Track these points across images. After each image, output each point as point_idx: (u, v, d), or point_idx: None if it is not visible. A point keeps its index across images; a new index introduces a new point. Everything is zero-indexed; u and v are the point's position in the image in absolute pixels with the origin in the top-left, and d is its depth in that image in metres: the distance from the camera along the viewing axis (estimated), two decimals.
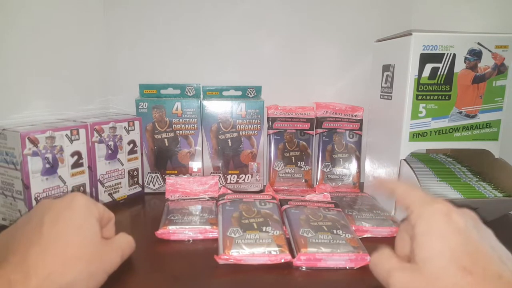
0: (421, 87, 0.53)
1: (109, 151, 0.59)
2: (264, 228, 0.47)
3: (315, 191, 0.67)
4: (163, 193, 0.64)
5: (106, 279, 0.36)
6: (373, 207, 0.57)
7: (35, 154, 0.48)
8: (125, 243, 0.40)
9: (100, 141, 0.57)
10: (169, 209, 0.54)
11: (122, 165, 0.62)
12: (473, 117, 0.54)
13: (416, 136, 0.54)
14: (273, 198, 0.56)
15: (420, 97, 0.53)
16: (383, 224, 0.51)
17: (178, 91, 0.69)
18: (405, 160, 0.54)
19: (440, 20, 0.69)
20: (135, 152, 0.64)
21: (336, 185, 0.69)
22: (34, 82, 0.59)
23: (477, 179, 0.58)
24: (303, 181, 0.69)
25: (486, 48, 0.52)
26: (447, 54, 0.52)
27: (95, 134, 0.56)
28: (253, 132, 0.67)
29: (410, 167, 0.53)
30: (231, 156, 0.68)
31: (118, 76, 0.72)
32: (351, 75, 0.75)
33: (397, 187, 0.37)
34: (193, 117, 0.67)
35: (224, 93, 0.70)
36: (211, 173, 0.68)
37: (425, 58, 0.52)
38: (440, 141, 0.55)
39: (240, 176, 0.69)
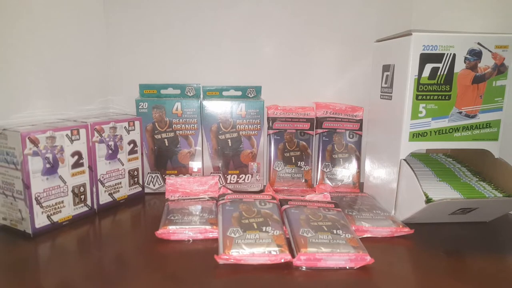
0: (421, 87, 0.53)
1: (110, 151, 0.59)
2: (264, 228, 0.47)
3: (315, 191, 0.67)
4: (163, 193, 0.64)
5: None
6: (373, 207, 0.57)
7: (35, 154, 0.48)
8: None
9: (101, 141, 0.57)
10: (169, 209, 0.55)
11: (123, 165, 0.62)
12: (473, 117, 0.54)
13: (416, 136, 0.54)
14: (273, 198, 0.56)
15: (420, 97, 0.53)
16: (383, 224, 0.51)
17: (178, 91, 0.69)
18: (405, 160, 0.54)
19: (440, 20, 0.69)
20: (135, 152, 0.64)
21: (336, 185, 0.69)
22: (35, 82, 0.59)
23: (477, 179, 0.58)
24: (303, 181, 0.69)
25: (486, 48, 0.52)
26: (447, 54, 0.52)
27: (96, 134, 0.56)
28: (253, 132, 0.68)
29: (410, 167, 0.53)
30: (231, 156, 0.68)
31: (118, 76, 0.73)
32: (351, 75, 0.75)
33: None
34: (193, 117, 0.67)
35: (224, 93, 0.70)
36: (211, 173, 0.69)
37: (425, 58, 0.52)
38: (440, 141, 0.55)
39: (240, 176, 0.69)
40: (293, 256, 0.43)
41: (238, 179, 0.69)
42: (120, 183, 0.62)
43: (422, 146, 0.54)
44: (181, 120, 0.66)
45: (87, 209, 0.56)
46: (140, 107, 0.66)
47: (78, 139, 0.54)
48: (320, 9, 0.72)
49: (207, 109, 0.67)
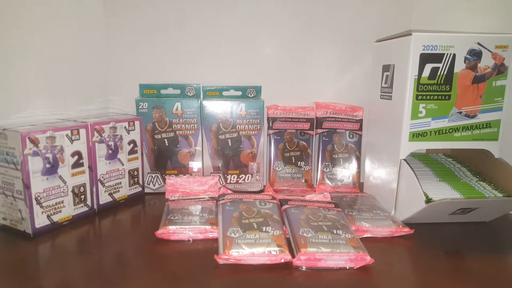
0: (421, 87, 0.53)
1: (110, 151, 0.59)
2: (264, 228, 0.47)
3: (315, 191, 0.67)
4: (163, 193, 0.64)
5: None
6: (373, 207, 0.57)
7: (35, 154, 0.48)
8: None
9: (101, 141, 0.57)
10: (169, 209, 0.55)
11: (123, 165, 0.62)
12: (473, 117, 0.54)
13: (416, 136, 0.54)
14: (273, 198, 0.56)
15: (420, 97, 0.53)
16: (383, 224, 0.51)
17: (178, 91, 0.69)
18: (405, 160, 0.54)
19: (440, 20, 0.69)
20: (135, 152, 0.64)
21: (336, 185, 0.69)
22: (35, 82, 0.59)
23: (477, 179, 0.58)
24: (303, 181, 0.69)
25: (486, 48, 0.52)
26: (447, 54, 0.52)
27: (96, 134, 0.56)
28: (253, 132, 0.68)
29: (410, 167, 0.53)
30: (231, 156, 0.68)
31: (118, 76, 0.73)
32: (351, 75, 0.75)
33: None
34: (193, 117, 0.67)
35: (224, 93, 0.70)
36: (211, 173, 0.69)
37: (425, 58, 0.52)
38: (440, 141, 0.55)
39: (240, 176, 0.69)
40: (293, 256, 0.43)
41: (238, 179, 0.69)
42: (120, 183, 0.62)
43: (422, 146, 0.54)
44: (181, 120, 0.67)
45: (87, 209, 0.56)
46: (140, 107, 0.66)
47: (78, 139, 0.54)
48: (320, 9, 0.72)
49: (207, 109, 0.67)
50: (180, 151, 0.68)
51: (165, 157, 0.67)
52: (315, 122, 0.70)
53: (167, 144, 0.67)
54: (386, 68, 0.58)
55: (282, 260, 0.43)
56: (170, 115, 0.66)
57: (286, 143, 0.69)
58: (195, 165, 0.68)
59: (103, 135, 0.58)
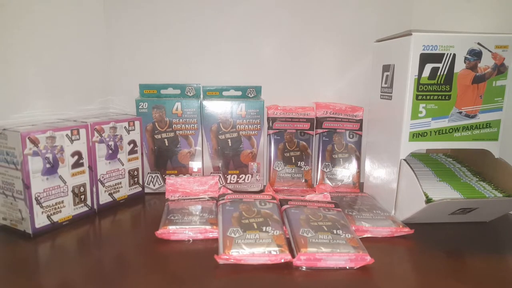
0: (421, 87, 0.53)
1: (110, 151, 0.59)
2: (264, 228, 0.47)
3: (315, 191, 0.67)
4: (163, 193, 0.64)
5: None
6: (373, 207, 0.57)
7: (35, 154, 0.48)
8: None
9: (101, 141, 0.57)
10: (169, 209, 0.55)
11: (123, 165, 0.62)
12: (473, 117, 0.54)
13: (416, 136, 0.54)
14: (273, 198, 0.56)
15: (420, 97, 0.53)
16: (383, 224, 0.51)
17: (178, 91, 0.69)
18: (405, 160, 0.54)
19: (440, 20, 0.69)
20: (135, 152, 0.64)
21: (336, 185, 0.69)
22: (35, 82, 0.59)
23: (477, 179, 0.58)
24: (303, 181, 0.69)
25: (486, 48, 0.52)
26: (447, 54, 0.52)
27: (96, 134, 0.56)
28: (253, 132, 0.68)
29: (410, 167, 0.53)
30: (231, 156, 0.68)
31: (118, 76, 0.73)
32: (351, 75, 0.75)
33: None
34: (193, 117, 0.67)
35: (224, 93, 0.70)
36: (211, 173, 0.69)
37: (425, 58, 0.52)
38: (440, 141, 0.55)
39: (240, 176, 0.69)
40: (293, 256, 0.43)
41: (238, 179, 0.69)
42: (120, 183, 0.62)
43: (422, 146, 0.54)
44: (181, 120, 0.67)
45: (87, 209, 0.56)
46: (140, 107, 0.66)
47: (78, 139, 0.54)
48: (320, 9, 0.72)
49: (207, 109, 0.67)
50: (180, 151, 0.68)
51: (165, 157, 0.67)
52: (315, 122, 0.70)
53: (167, 144, 0.67)
54: (386, 68, 0.58)
55: (282, 260, 0.43)
56: (170, 115, 0.66)
57: (286, 143, 0.69)
58: (195, 165, 0.68)
59: (103, 135, 0.58)
